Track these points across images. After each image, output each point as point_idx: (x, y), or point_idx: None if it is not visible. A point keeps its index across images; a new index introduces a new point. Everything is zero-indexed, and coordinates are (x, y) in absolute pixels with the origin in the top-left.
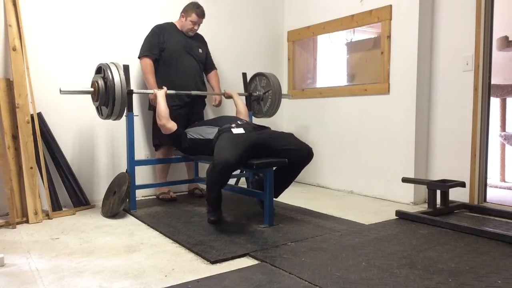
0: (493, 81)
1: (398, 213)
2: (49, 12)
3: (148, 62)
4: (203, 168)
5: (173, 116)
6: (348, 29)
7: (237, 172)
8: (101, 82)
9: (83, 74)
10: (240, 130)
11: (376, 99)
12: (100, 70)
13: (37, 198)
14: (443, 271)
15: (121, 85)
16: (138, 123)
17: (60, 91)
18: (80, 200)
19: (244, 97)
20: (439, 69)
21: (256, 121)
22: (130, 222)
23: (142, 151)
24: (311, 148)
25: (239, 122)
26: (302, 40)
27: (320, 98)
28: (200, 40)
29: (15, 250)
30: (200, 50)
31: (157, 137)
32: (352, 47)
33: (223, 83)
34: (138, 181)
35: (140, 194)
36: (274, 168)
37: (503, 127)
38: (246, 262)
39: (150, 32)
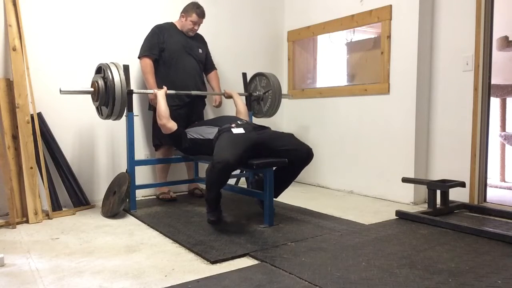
0: (493, 81)
1: (398, 213)
2: (49, 12)
3: (148, 62)
4: (203, 168)
5: (173, 116)
6: (348, 29)
7: (237, 172)
8: (101, 82)
9: (83, 74)
10: (240, 130)
11: (376, 99)
12: (100, 70)
13: (37, 198)
14: (443, 271)
15: (121, 85)
16: (138, 123)
17: (60, 91)
18: (80, 200)
19: (244, 97)
20: (439, 69)
21: (256, 121)
22: (130, 222)
23: (142, 151)
24: (311, 149)
25: (239, 122)
26: (302, 40)
27: (320, 98)
28: (200, 40)
29: (15, 250)
30: (200, 50)
31: (157, 137)
32: (352, 47)
33: (223, 83)
34: (138, 181)
35: (140, 194)
36: (274, 168)
37: (503, 127)
38: (246, 262)
39: (150, 32)
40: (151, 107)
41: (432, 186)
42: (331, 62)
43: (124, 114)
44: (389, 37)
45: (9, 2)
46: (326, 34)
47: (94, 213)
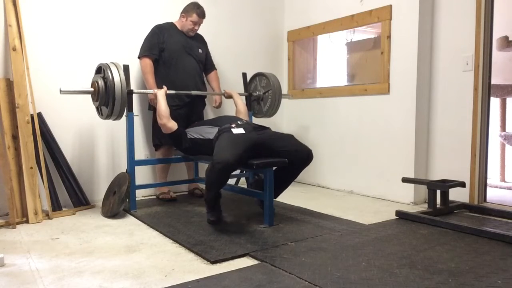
0: (493, 81)
1: (398, 213)
2: (49, 12)
3: (147, 62)
4: (203, 168)
5: (173, 116)
6: (348, 29)
7: (237, 172)
8: (101, 82)
9: (83, 74)
10: (240, 130)
11: (376, 99)
12: (100, 70)
13: (37, 198)
14: (443, 271)
15: (121, 85)
16: (138, 123)
17: (60, 91)
18: (80, 200)
19: (244, 97)
20: (439, 69)
21: (256, 121)
22: (130, 222)
23: (142, 151)
24: (311, 151)
25: (239, 122)
26: (302, 40)
27: (320, 98)
28: (200, 40)
29: (15, 250)
30: (200, 50)
31: (157, 137)
32: (352, 47)
33: (223, 83)
34: (138, 181)
35: (140, 194)
36: (273, 168)
37: (503, 127)
38: (246, 262)
39: (150, 32)
40: (151, 107)
41: (432, 186)
42: (331, 62)
43: (124, 114)
44: (389, 37)
45: (9, 2)
46: (326, 34)
47: (94, 213)
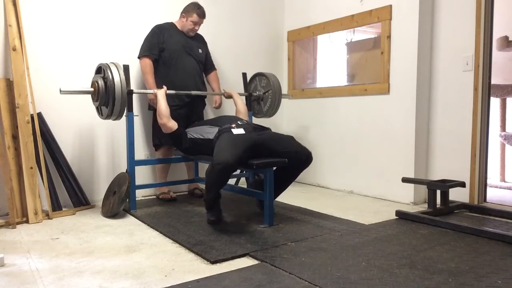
0: (493, 81)
1: (398, 213)
2: (49, 12)
3: (147, 62)
4: (203, 168)
5: (173, 116)
6: (348, 29)
7: (237, 172)
8: (101, 82)
9: (83, 74)
10: (240, 131)
11: (376, 99)
12: (100, 70)
13: (37, 198)
14: (443, 271)
15: (121, 85)
16: (138, 123)
17: (60, 91)
18: (80, 200)
19: (244, 97)
20: (439, 69)
21: (256, 121)
22: (130, 222)
23: (142, 151)
24: (311, 153)
25: (239, 122)
26: (302, 40)
27: (320, 98)
28: (200, 40)
29: (15, 250)
30: (200, 50)
31: (157, 137)
32: (352, 47)
33: (223, 83)
34: (138, 181)
35: (140, 194)
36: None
37: (503, 127)
38: (246, 262)
39: (150, 32)
40: (151, 107)
41: (432, 186)
42: (331, 62)
43: (124, 114)
44: (389, 37)
45: (9, 2)
46: (326, 34)
47: (94, 213)
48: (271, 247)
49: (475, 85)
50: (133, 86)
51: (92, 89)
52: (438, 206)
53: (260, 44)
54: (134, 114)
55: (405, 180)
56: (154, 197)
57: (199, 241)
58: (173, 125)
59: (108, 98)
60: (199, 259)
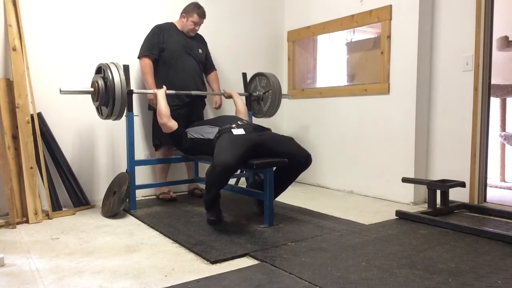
0: (493, 81)
1: (398, 213)
2: (49, 12)
3: (147, 62)
4: (203, 168)
5: (173, 116)
6: (348, 29)
7: (237, 172)
8: (101, 82)
9: (83, 74)
10: (241, 131)
11: (376, 99)
12: (100, 70)
13: (37, 198)
14: (443, 271)
15: (121, 85)
16: (138, 123)
17: (60, 91)
18: (80, 200)
19: (244, 97)
20: (439, 69)
21: (256, 121)
22: (130, 222)
23: (142, 151)
24: (310, 155)
25: (239, 123)
26: (302, 40)
27: (320, 98)
28: (200, 40)
29: (15, 250)
30: (200, 51)
31: (157, 137)
32: (352, 47)
33: (223, 83)
34: (138, 181)
35: (140, 194)
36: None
37: (503, 127)
38: (246, 262)
39: (150, 32)
40: (150, 107)
41: (432, 186)
42: (331, 62)
43: (124, 114)
44: (389, 37)
45: (9, 2)
46: (326, 34)
47: (94, 213)
48: (271, 247)
49: (475, 85)
50: (133, 86)
51: (92, 89)
52: (438, 206)
53: (260, 44)
54: (134, 114)
55: (405, 180)
56: (154, 197)
57: (199, 241)
58: (173, 124)
59: (108, 98)
60: (199, 259)
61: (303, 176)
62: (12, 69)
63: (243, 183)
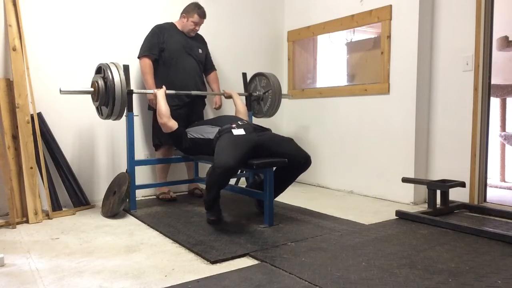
0: (493, 81)
1: (398, 213)
2: (49, 12)
3: (147, 62)
4: (203, 168)
5: (173, 116)
6: (348, 29)
7: (238, 172)
8: (101, 82)
9: (83, 74)
10: (241, 131)
11: (376, 99)
12: (100, 70)
13: (37, 198)
14: (443, 271)
15: (121, 85)
16: (138, 123)
17: (60, 91)
18: (80, 200)
19: (244, 97)
20: (439, 69)
21: (256, 121)
22: (130, 222)
23: (142, 151)
24: (310, 157)
25: (239, 123)
26: (302, 40)
27: (320, 98)
28: (200, 41)
29: (15, 250)
30: (200, 51)
31: (157, 137)
32: (352, 47)
33: (223, 83)
34: (138, 181)
35: (140, 194)
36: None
37: (503, 127)
38: (246, 262)
39: (150, 32)
40: (150, 107)
41: (432, 186)
42: (331, 62)
43: (124, 114)
44: (389, 37)
45: (9, 2)
46: (326, 34)
47: (94, 213)
48: (271, 247)
49: (475, 85)
50: (133, 86)
51: (92, 89)
52: (438, 206)
53: (260, 44)
54: (134, 114)
55: (405, 180)
56: (154, 197)
57: (199, 241)
58: (173, 124)
59: (108, 98)
60: (199, 259)
61: (303, 176)
62: (12, 69)
63: (243, 183)
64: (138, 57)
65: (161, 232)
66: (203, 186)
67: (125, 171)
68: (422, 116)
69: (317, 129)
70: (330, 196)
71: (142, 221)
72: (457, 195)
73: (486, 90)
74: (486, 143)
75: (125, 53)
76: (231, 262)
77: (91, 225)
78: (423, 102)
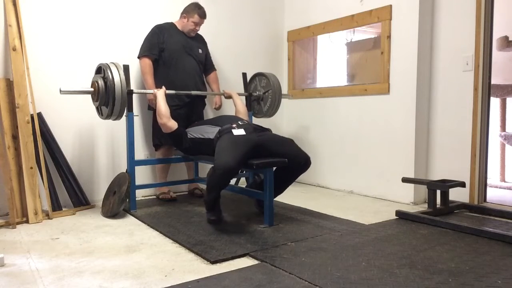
0: (493, 81)
1: (398, 213)
2: (49, 12)
3: (147, 62)
4: (203, 168)
5: (173, 116)
6: (348, 29)
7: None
8: (101, 82)
9: (83, 74)
10: (241, 131)
11: (376, 99)
12: (100, 70)
13: (37, 198)
14: (443, 271)
15: (121, 85)
16: (138, 123)
17: (60, 91)
18: (80, 200)
19: (244, 97)
20: (439, 69)
21: (256, 121)
22: (130, 222)
23: (142, 151)
24: (309, 157)
25: (240, 123)
26: (302, 40)
27: (320, 98)
28: (200, 41)
29: (15, 250)
30: (200, 51)
31: (157, 137)
32: (352, 47)
33: (223, 83)
34: (138, 181)
35: (140, 194)
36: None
37: (503, 127)
38: (246, 262)
39: (150, 32)
40: (150, 107)
41: (432, 186)
42: (331, 62)
43: (124, 114)
44: (389, 37)
45: (9, 2)
46: (326, 34)
47: (94, 213)
48: (271, 247)
49: (475, 85)
50: (133, 86)
51: (92, 89)
52: (438, 206)
53: (260, 44)
54: (134, 114)
55: (405, 180)
56: (154, 197)
57: (199, 241)
58: (173, 124)
59: (108, 98)
60: (199, 259)
61: (303, 176)
62: (12, 69)
63: (243, 183)
64: (138, 57)
65: (161, 232)
66: (203, 186)
67: (125, 171)
68: (422, 116)
69: (317, 129)
70: (330, 196)
71: (142, 221)
72: (457, 195)
73: (486, 90)
74: (486, 143)
75: (125, 53)
76: (231, 262)
77: (91, 225)
78: (423, 102)
